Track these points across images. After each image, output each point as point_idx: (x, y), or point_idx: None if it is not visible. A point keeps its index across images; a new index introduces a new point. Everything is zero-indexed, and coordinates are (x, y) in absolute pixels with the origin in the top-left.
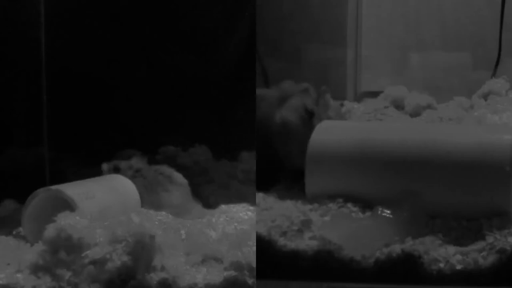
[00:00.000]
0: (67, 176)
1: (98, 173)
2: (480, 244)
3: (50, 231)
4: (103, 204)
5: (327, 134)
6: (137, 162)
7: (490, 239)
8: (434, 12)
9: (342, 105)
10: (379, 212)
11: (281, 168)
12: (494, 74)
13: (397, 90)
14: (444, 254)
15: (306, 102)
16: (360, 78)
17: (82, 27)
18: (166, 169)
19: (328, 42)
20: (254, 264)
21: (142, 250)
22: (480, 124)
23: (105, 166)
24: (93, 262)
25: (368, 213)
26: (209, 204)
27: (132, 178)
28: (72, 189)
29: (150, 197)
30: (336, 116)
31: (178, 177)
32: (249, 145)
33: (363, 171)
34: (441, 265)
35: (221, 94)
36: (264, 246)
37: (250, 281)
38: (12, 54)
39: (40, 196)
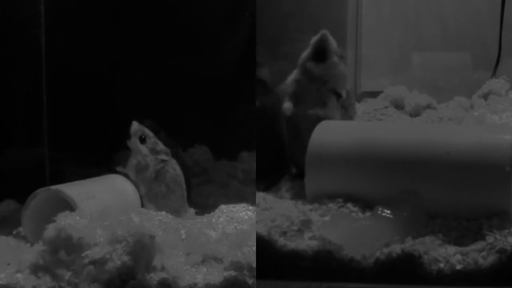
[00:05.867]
0: (67, 176)
1: (98, 173)
2: (480, 244)
3: (50, 231)
4: (103, 204)
5: (327, 134)
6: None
7: (490, 239)
8: (434, 12)
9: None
10: (379, 212)
11: (284, 167)
12: (494, 74)
13: (397, 90)
14: (444, 254)
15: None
16: (360, 78)
17: (82, 27)
18: (171, 167)
19: None
20: (254, 264)
21: (142, 250)
22: (480, 124)
23: (135, 125)
24: (93, 262)
25: (368, 213)
26: (207, 205)
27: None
28: (72, 189)
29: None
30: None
31: (179, 178)
32: (249, 145)
33: (363, 171)
34: (441, 265)
35: (221, 94)
36: (264, 246)
37: (250, 281)
38: (12, 54)
39: (40, 196)
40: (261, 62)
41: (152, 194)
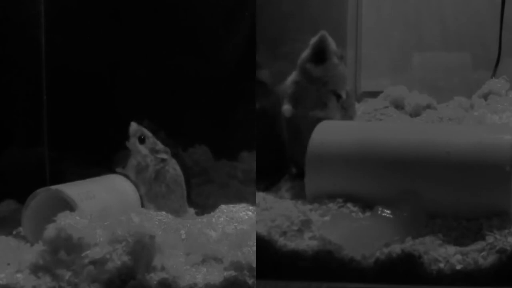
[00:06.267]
0: (67, 176)
1: (98, 173)
2: (480, 244)
3: (50, 231)
4: (103, 204)
5: (327, 134)
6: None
7: (490, 239)
8: (434, 12)
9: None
10: (379, 212)
11: (284, 167)
12: (494, 74)
13: (397, 90)
14: (444, 254)
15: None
16: (360, 78)
17: (82, 27)
18: (171, 167)
19: None
20: (254, 264)
21: (142, 250)
22: (480, 124)
23: (134, 126)
24: (93, 262)
25: (368, 213)
26: (207, 205)
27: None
28: (72, 189)
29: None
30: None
31: (179, 178)
32: (249, 145)
33: (363, 171)
34: (441, 265)
35: (221, 94)
36: (264, 246)
37: (250, 281)
38: (12, 54)
39: (40, 196)
40: (261, 62)
41: (152, 194)
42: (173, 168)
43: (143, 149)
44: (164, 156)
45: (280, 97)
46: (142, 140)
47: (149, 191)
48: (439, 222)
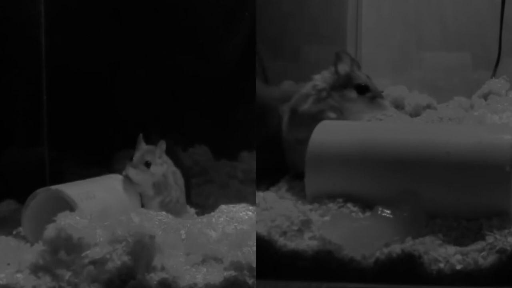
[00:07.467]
0: (67, 176)
1: (98, 173)
2: (480, 244)
3: (50, 231)
4: (103, 204)
5: (327, 134)
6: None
7: (490, 239)
8: (434, 12)
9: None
10: (379, 212)
11: (283, 169)
12: (494, 74)
13: (397, 90)
14: (444, 254)
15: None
16: None
17: (82, 27)
18: (171, 171)
19: (328, 42)
20: (254, 264)
21: (142, 250)
22: (480, 124)
23: (132, 172)
24: (93, 262)
25: (368, 213)
26: (207, 205)
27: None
28: (72, 189)
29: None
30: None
31: (179, 180)
32: (249, 145)
33: (363, 171)
34: (441, 265)
35: (221, 94)
36: (264, 246)
37: (250, 281)
38: (12, 54)
39: (40, 196)
40: (265, 65)
41: (168, 201)
42: (172, 171)
43: (154, 168)
44: (164, 158)
45: (280, 98)
46: (149, 165)
47: (166, 198)
48: (439, 222)
